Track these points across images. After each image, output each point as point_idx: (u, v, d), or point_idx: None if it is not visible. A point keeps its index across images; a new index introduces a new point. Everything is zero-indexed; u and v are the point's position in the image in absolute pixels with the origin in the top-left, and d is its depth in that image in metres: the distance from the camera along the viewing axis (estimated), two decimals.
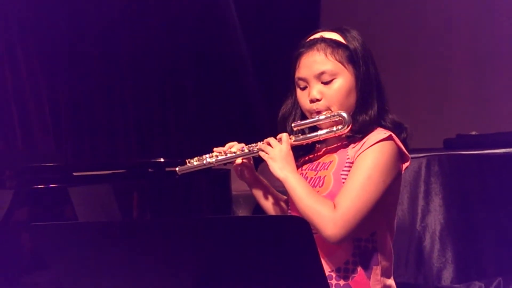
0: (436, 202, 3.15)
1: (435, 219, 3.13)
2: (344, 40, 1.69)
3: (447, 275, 3.08)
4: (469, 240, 3.15)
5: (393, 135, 1.64)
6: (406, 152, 1.67)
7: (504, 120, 4.51)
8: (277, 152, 1.65)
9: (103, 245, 1.35)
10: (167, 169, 2.99)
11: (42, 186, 2.58)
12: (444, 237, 3.11)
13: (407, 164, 1.68)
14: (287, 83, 1.78)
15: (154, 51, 4.82)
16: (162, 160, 3.11)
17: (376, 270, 1.65)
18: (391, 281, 1.69)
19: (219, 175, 3.13)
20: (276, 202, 1.83)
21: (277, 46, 4.72)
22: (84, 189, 2.69)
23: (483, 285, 3.05)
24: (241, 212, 4.19)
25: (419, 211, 3.16)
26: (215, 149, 1.76)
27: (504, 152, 3.30)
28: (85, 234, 1.38)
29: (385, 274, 1.67)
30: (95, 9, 4.45)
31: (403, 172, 1.68)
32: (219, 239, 1.25)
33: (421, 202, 3.16)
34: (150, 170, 3.05)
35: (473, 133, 4.04)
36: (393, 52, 5.16)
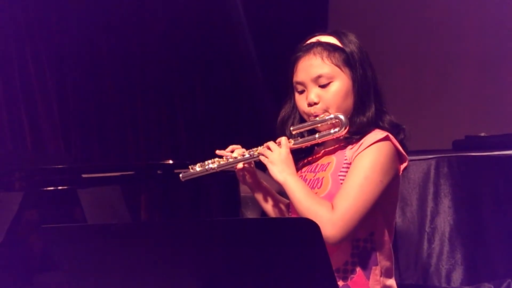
0: (445, 204, 3.15)
1: (445, 221, 3.13)
2: (341, 43, 1.71)
3: (457, 276, 3.07)
4: (478, 241, 3.14)
5: (390, 135, 1.66)
6: (404, 153, 1.68)
7: None
8: (276, 156, 1.67)
9: (112, 246, 1.35)
10: (176, 171, 3.00)
11: (51, 188, 2.59)
12: (454, 239, 3.11)
13: (405, 164, 1.70)
14: (288, 86, 1.79)
15: (164, 52, 4.83)
16: (170, 161, 3.11)
17: (375, 271, 1.65)
18: (391, 281, 1.70)
19: (228, 177, 3.13)
20: (278, 206, 1.85)
21: (285, 48, 4.72)
22: (93, 191, 2.70)
23: (492, 286, 3.04)
24: (249, 214, 4.19)
25: (428, 212, 3.15)
26: (217, 151, 1.78)
27: None
28: (94, 236, 1.38)
29: (385, 274, 1.68)
30: (104, 9, 4.46)
31: (401, 173, 1.70)
32: (228, 242, 1.25)
33: (430, 203, 3.16)
34: (158, 172, 3.05)
35: (482, 134, 4.02)
36: (402, 53, 5.15)
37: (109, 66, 4.51)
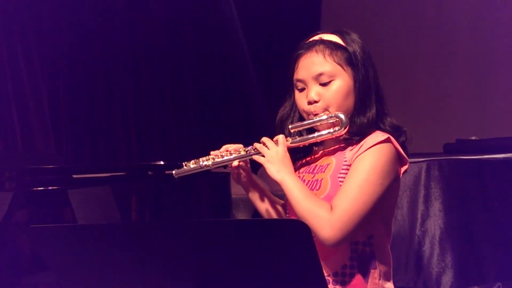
0: (436, 207, 3.15)
1: (435, 224, 3.13)
2: (343, 42, 1.69)
3: (447, 280, 3.08)
4: (468, 245, 3.15)
5: (391, 137, 1.64)
6: (405, 155, 1.67)
7: (504, 125, 4.51)
8: (273, 154, 1.64)
9: (102, 247, 1.35)
10: (167, 172, 2.99)
11: (41, 188, 2.58)
12: (444, 242, 3.11)
13: (405, 167, 1.68)
14: (288, 84, 1.78)
15: (155, 52, 4.82)
16: (162, 162, 3.10)
17: (374, 274, 1.64)
18: (390, 284, 1.69)
19: (219, 178, 3.12)
20: (273, 206, 1.82)
21: (278, 47, 4.72)
22: (84, 191, 2.69)
23: None
24: (241, 216, 4.18)
25: (419, 215, 3.15)
26: (211, 152, 1.75)
27: (504, 157, 3.30)
28: (84, 236, 1.37)
29: (384, 277, 1.66)
30: (96, 10, 4.45)
31: (401, 175, 1.68)
32: (219, 242, 1.25)
33: (421, 206, 3.16)
34: (150, 172, 3.04)
35: (473, 138, 4.04)
36: (393, 56, 5.16)
37: (101, 66, 4.50)
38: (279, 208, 1.83)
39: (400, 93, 5.04)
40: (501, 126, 4.49)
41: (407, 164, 1.68)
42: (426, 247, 3.12)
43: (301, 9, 5.57)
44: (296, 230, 1.22)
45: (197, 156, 1.78)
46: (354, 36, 1.72)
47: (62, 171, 2.83)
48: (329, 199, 1.61)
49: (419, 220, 3.15)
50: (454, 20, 4.96)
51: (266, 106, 5.18)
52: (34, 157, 3.70)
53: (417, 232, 3.14)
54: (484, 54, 4.78)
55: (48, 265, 1.43)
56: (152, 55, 4.81)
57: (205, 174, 1.78)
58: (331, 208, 1.57)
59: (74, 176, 2.76)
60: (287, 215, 1.78)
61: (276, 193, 1.86)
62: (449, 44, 4.98)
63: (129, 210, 2.85)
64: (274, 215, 1.80)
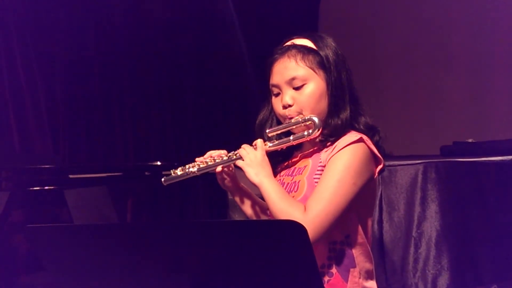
0: (433, 209, 3.16)
1: (431, 226, 3.14)
2: (315, 46, 1.73)
3: (443, 281, 3.08)
4: (465, 247, 3.16)
5: (364, 137, 1.66)
6: (379, 155, 1.68)
7: (500, 128, 4.52)
8: (252, 158, 1.67)
9: (98, 247, 1.35)
10: (164, 172, 2.99)
11: (38, 188, 2.57)
12: (440, 244, 3.12)
13: (380, 166, 1.70)
14: (266, 89, 1.81)
15: (153, 53, 4.82)
16: (158, 163, 3.10)
17: (354, 273, 1.66)
18: (371, 283, 1.70)
19: (216, 179, 3.12)
20: (254, 210, 1.85)
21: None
22: (81, 192, 2.69)
23: None
24: (237, 217, 4.18)
25: (416, 217, 3.16)
26: (197, 158, 1.79)
27: (500, 160, 3.31)
28: (81, 236, 1.38)
29: (364, 276, 1.68)
30: (94, 10, 4.45)
31: (376, 175, 1.70)
32: (216, 243, 1.25)
33: (417, 208, 3.17)
34: (146, 173, 3.04)
35: (470, 140, 4.05)
36: (391, 58, 5.17)
37: (98, 66, 4.50)
38: (263, 211, 1.85)
39: (397, 95, 5.05)
40: (498, 129, 4.50)
41: (382, 164, 1.70)
42: (423, 249, 3.13)
43: (300, 9, 5.57)
44: (293, 231, 1.22)
45: (194, 158, 1.81)
46: (328, 40, 1.76)
47: (59, 171, 2.83)
48: (306, 200, 1.64)
49: (416, 222, 3.16)
50: (452, 22, 4.97)
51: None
52: (31, 157, 3.70)
53: (414, 234, 3.15)
54: (482, 57, 4.80)
55: (45, 265, 1.43)
56: (150, 55, 4.80)
57: (196, 176, 1.80)
58: (305, 209, 1.58)
59: (71, 176, 2.76)
60: (269, 217, 1.80)
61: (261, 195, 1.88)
62: (447, 47, 4.99)
63: (125, 211, 2.85)
64: (258, 218, 1.83)
